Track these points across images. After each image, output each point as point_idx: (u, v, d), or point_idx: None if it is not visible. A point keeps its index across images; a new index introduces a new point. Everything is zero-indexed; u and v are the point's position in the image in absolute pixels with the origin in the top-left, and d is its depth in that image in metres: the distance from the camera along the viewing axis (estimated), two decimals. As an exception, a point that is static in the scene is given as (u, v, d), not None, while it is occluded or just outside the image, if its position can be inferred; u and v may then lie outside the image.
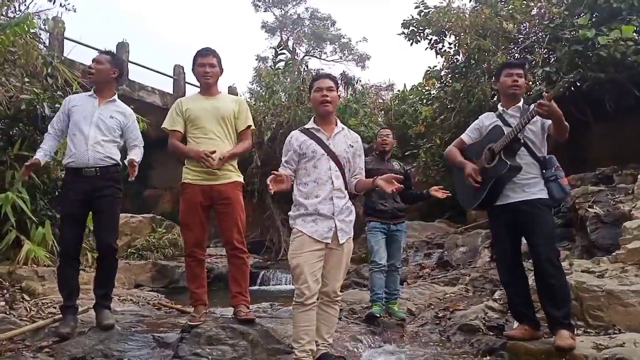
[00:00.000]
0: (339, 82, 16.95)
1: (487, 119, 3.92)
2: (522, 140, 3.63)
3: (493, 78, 4.15)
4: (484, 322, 4.50)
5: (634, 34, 8.04)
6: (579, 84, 8.04)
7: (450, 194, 4.64)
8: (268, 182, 3.15)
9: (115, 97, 4.07)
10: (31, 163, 3.84)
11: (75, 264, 3.96)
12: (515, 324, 3.93)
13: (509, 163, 3.55)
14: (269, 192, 3.21)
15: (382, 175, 3.34)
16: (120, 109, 4.07)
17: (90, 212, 4.03)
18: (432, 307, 5.45)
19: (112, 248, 3.92)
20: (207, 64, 3.95)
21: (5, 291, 4.93)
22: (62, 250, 3.96)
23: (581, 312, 4.09)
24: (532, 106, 3.75)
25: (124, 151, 4.08)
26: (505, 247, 3.79)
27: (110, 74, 4.03)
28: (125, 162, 3.89)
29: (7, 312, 4.45)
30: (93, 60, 4.01)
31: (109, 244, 3.91)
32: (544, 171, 3.64)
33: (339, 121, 3.57)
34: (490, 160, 3.67)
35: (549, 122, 3.60)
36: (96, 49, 4.19)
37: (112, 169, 3.92)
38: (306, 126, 3.52)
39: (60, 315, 3.94)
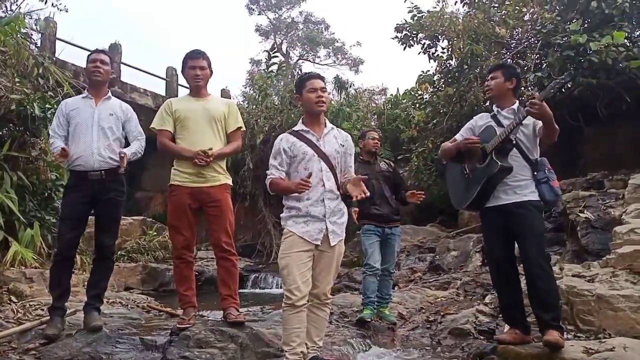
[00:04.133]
0: (333, 85, 17.01)
1: (480, 120, 3.91)
2: (514, 141, 3.62)
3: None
4: (474, 326, 4.50)
5: (625, 40, 8.10)
6: (570, 89, 8.11)
7: (423, 197, 4.75)
8: (301, 184, 3.16)
9: (110, 94, 4.08)
10: (63, 151, 3.73)
11: (70, 265, 3.97)
12: (506, 328, 3.92)
13: (499, 163, 3.55)
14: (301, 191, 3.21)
15: (351, 178, 3.35)
16: (117, 104, 4.09)
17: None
18: (423, 311, 5.44)
19: (110, 250, 4.00)
20: (197, 67, 3.94)
21: (-9, 293, 4.87)
22: (59, 251, 3.93)
23: (572, 316, 4.09)
24: (517, 106, 3.76)
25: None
26: (497, 249, 3.78)
27: (110, 73, 4.09)
28: (119, 154, 3.91)
29: (-6, 314, 4.39)
30: (96, 60, 3.95)
31: (108, 246, 3.96)
32: (535, 173, 3.63)
33: (327, 121, 3.55)
34: (482, 161, 3.67)
35: (540, 124, 3.61)
36: (88, 50, 4.16)
37: (117, 170, 3.94)
38: (295, 128, 3.50)
39: (48, 317, 3.90)
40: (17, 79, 6.27)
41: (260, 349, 3.62)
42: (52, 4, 8.07)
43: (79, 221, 3.89)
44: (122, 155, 3.87)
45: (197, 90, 4.00)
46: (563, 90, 3.46)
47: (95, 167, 3.82)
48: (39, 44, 9.12)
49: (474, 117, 4.04)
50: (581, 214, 6.22)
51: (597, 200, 6.59)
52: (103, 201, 3.87)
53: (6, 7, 7.33)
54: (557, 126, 3.51)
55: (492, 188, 3.64)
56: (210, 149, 3.74)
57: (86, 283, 4.20)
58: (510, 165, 3.58)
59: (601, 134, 9.13)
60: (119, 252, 9.40)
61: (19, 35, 6.26)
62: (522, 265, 3.70)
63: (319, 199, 3.32)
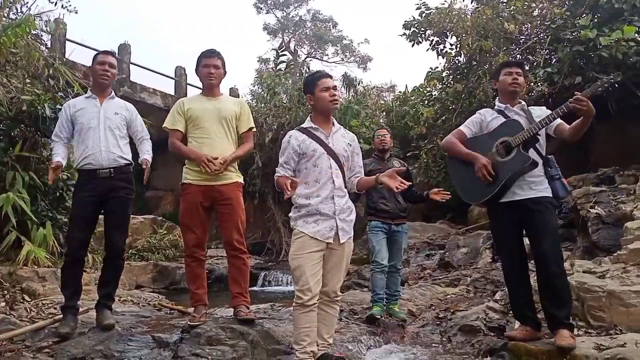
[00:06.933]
0: (341, 83, 16.99)
1: (488, 114, 3.88)
2: (539, 137, 3.62)
3: (493, 79, 4.14)
4: (484, 322, 4.49)
5: (636, 34, 8.03)
6: (580, 85, 8.04)
7: (450, 196, 4.53)
8: (286, 187, 3.11)
9: (113, 93, 4.12)
10: (56, 166, 3.85)
11: (81, 265, 4.00)
12: (516, 325, 3.92)
13: (531, 157, 3.54)
14: (287, 194, 3.15)
15: (384, 172, 3.34)
16: (121, 104, 4.15)
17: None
18: (433, 308, 5.44)
19: (120, 249, 4.01)
20: (211, 65, 3.97)
21: (5, 292, 4.93)
22: (69, 251, 3.95)
23: (582, 312, 4.08)
24: (532, 107, 3.74)
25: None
26: (510, 245, 3.75)
27: (116, 76, 4.13)
28: (139, 161, 4.02)
29: (8, 313, 4.44)
30: (104, 63, 4.01)
31: (118, 244, 3.98)
32: (548, 169, 3.62)
33: (335, 121, 3.56)
34: (505, 154, 3.65)
35: (556, 123, 3.60)
36: (97, 51, 4.19)
37: (125, 169, 3.99)
38: (304, 125, 3.50)
39: (60, 316, 3.94)
40: (28, 80, 6.33)
41: (270, 346, 3.64)
42: (62, 6, 8.11)
43: (89, 221, 3.93)
44: (146, 162, 4.00)
45: (210, 88, 4.03)
46: (611, 89, 3.46)
47: (104, 165, 3.86)
48: (49, 45, 9.17)
49: (480, 112, 3.98)
50: (592, 210, 6.19)
51: (608, 195, 6.55)
52: (112, 200, 3.90)
53: (17, 9, 7.38)
54: None
55: (513, 182, 3.62)
56: (216, 158, 3.77)
57: (97, 282, 4.24)
58: (536, 160, 3.58)
59: (612, 129, 9.06)
60: (129, 251, 9.48)
61: (29, 37, 6.30)
62: (532, 262, 3.69)
63: (328, 196, 3.32)
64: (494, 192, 3.64)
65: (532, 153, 3.61)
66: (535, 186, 3.60)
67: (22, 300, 4.86)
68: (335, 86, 3.47)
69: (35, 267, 5.52)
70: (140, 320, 4.33)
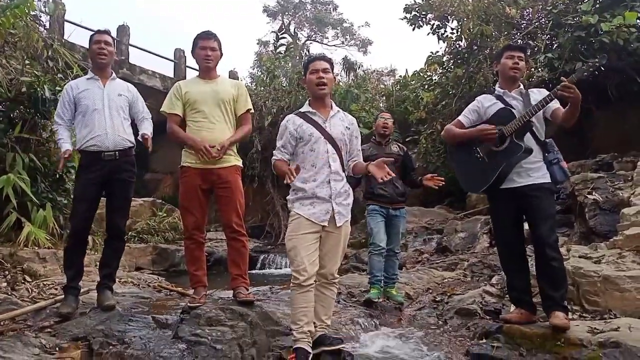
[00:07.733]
0: (341, 66, 16.85)
1: (486, 101, 3.87)
2: (532, 123, 3.63)
3: (494, 61, 4.12)
4: (481, 306, 4.54)
5: (637, 20, 8.01)
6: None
7: (444, 182, 4.56)
8: (289, 173, 3.11)
9: (114, 74, 4.12)
10: (66, 156, 3.91)
11: (84, 246, 4.04)
12: (512, 308, 3.96)
13: (523, 145, 3.56)
14: (286, 181, 3.17)
15: (375, 161, 3.34)
16: (124, 85, 4.16)
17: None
18: (430, 291, 5.49)
19: (122, 230, 4.06)
20: (208, 47, 3.95)
21: (6, 272, 4.96)
22: (73, 232, 3.98)
23: (578, 297, 4.13)
24: (531, 90, 3.73)
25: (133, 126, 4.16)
26: (507, 231, 3.78)
27: (114, 54, 4.11)
28: (139, 138, 4.03)
29: (9, 293, 4.48)
30: (100, 42, 3.98)
31: (119, 226, 4.03)
32: (546, 154, 3.64)
33: (334, 104, 3.56)
34: (499, 144, 3.66)
35: (553, 107, 3.61)
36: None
37: (129, 151, 4.01)
38: (301, 110, 3.51)
39: (62, 296, 3.98)
40: (27, 62, 6.30)
41: (269, 327, 3.69)
42: (61, -14, 8.07)
43: (92, 202, 3.94)
44: (146, 137, 4.00)
45: (207, 71, 4.01)
46: (597, 72, 3.46)
47: (110, 147, 3.88)
48: (48, 27, 9.12)
49: (478, 99, 3.98)
50: (589, 196, 6.22)
51: (606, 182, 6.58)
52: (115, 181, 3.93)
53: (15, -11, 7.33)
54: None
55: (510, 170, 3.64)
56: (213, 146, 3.78)
57: (98, 263, 4.27)
58: (531, 147, 3.60)
59: (611, 115, 9.07)
60: (129, 233, 9.53)
61: (28, 18, 6.27)
62: (531, 246, 3.73)
63: (324, 180, 3.34)
64: (490, 182, 3.69)
65: (528, 138, 3.63)
66: (533, 173, 3.61)
67: (23, 281, 4.90)
68: (326, 69, 3.39)
69: (36, 248, 5.55)
70: (140, 301, 4.37)
